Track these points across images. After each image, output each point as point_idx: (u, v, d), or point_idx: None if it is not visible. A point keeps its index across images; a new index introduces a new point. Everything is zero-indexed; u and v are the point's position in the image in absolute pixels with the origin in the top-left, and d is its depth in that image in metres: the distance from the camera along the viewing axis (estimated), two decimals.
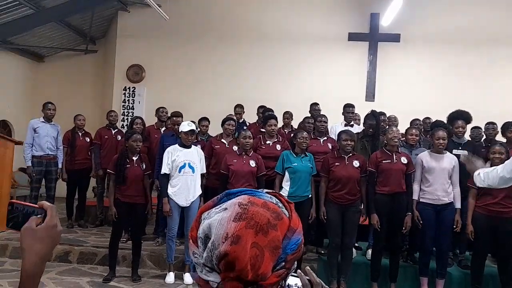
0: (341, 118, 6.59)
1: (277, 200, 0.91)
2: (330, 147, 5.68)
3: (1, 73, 8.71)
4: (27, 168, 6.36)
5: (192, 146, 5.21)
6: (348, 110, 6.39)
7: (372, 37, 8.92)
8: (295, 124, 6.83)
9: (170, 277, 5.10)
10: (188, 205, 5.07)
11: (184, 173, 5.08)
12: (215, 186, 5.36)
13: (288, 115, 6.77)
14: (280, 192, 5.04)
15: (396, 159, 4.93)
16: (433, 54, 8.73)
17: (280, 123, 6.77)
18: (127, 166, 5.10)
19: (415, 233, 5.13)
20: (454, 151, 5.12)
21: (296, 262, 0.91)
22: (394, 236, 4.98)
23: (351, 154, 5.02)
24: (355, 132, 5.51)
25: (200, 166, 5.20)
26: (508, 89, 8.33)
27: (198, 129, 6.20)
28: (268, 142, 5.65)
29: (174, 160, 5.10)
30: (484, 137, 5.99)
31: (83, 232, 6.46)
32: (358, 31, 8.93)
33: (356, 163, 4.99)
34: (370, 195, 4.99)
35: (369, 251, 5.38)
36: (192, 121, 5.58)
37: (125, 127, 8.21)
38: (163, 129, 6.55)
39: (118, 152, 5.81)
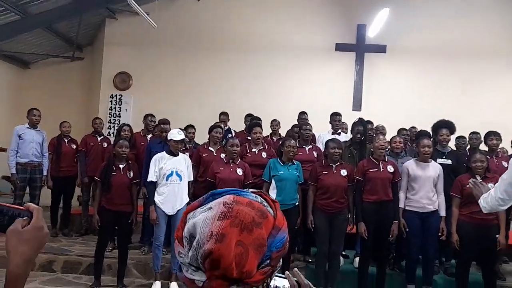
0: (328, 127, 6.66)
1: (262, 199, 0.91)
2: (316, 155, 5.72)
3: None
4: (11, 176, 6.27)
5: (180, 153, 5.19)
6: (335, 119, 6.45)
7: (359, 48, 9.02)
8: (283, 132, 6.85)
9: (157, 286, 5.03)
10: (174, 213, 5.04)
11: (171, 181, 5.05)
12: (203, 194, 5.31)
13: (276, 123, 6.80)
14: None
15: (382, 168, 4.97)
16: (418, 65, 8.86)
17: (269, 131, 6.81)
18: (113, 173, 5.06)
19: (402, 241, 5.16)
20: (439, 160, 5.19)
21: (281, 260, 0.92)
22: (381, 244, 5.00)
23: (338, 163, 5.05)
24: (342, 140, 5.56)
25: (188, 174, 5.18)
26: (490, 100, 8.49)
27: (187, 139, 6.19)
28: (253, 150, 5.65)
29: (161, 168, 5.07)
30: (469, 146, 6.10)
31: (68, 241, 6.36)
32: (345, 42, 9.02)
33: (343, 172, 5.02)
34: (357, 203, 5.03)
35: (356, 259, 5.41)
36: (181, 129, 5.57)
37: (112, 135, 8.16)
38: (149, 136, 6.51)
39: (104, 159, 5.75)
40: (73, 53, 9.39)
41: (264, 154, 5.65)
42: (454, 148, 5.84)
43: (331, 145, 5.06)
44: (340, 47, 9.03)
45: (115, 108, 9.07)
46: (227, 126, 7.20)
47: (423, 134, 5.28)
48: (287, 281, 1.01)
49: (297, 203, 5.18)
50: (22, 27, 8.05)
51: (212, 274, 0.82)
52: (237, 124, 7.41)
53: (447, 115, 5.78)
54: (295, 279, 1.00)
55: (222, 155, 5.51)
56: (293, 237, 5.37)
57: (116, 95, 9.09)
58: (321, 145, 6.01)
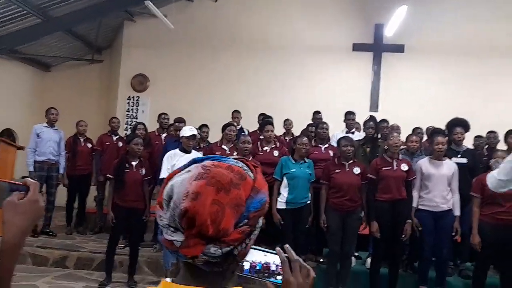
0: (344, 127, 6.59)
1: (243, 164, 0.91)
2: (332, 154, 5.66)
3: (7, 82, 8.81)
4: (29, 174, 6.39)
5: (193, 151, 5.21)
6: (349, 117, 6.40)
7: (377, 48, 8.93)
8: (297, 132, 6.81)
9: None
10: None
11: None
12: None
13: (288, 122, 6.78)
14: (278, 199, 5.07)
15: (396, 166, 4.88)
16: (436, 64, 8.71)
17: (282, 131, 6.78)
18: (126, 170, 5.10)
19: (415, 242, 5.05)
20: (454, 159, 5.06)
21: (260, 220, 0.90)
22: (394, 244, 4.90)
23: (351, 161, 4.99)
24: (355, 139, 5.49)
25: None
26: (507, 99, 8.27)
27: (199, 136, 6.21)
28: (265, 148, 5.63)
29: (174, 164, 5.08)
30: (486, 146, 5.95)
31: (82, 238, 6.45)
32: (363, 42, 8.95)
33: (356, 170, 4.96)
34: (370, 202, 4.94)
35: (369, 260, 5.31)
36: (196, 128, 5.59)
37: None
38: (164, 135, 6.56)
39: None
40: (92, 56, 9.58)
41: (276, 153, 5.62)
42: (469, 147, 5.68)
43: (343, 142, 5.01)
44: (357, 47, 8.96)
45: (132, 109, 9.19)
46: (240, 125, 7.20)
47: (437, 131, 5.16)
48: (277, 257, 1.00)
49: (308, 202, 5.13)
50: (42, 30, 8.25)
51: (189, 233, 0.82)
52: (252, 124, 7.40)
53: (465, 114, 5.64)
54: (285, 255, 0.99)
55: (235, 153, 5.51)
56: (305, 237, 5.33)
57: (133, 97, 9.21)
58: (335, 145, 5.95)
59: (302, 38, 8.96)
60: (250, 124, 7.47)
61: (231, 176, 0.85)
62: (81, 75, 9.85)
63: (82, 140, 6.80)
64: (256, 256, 1.01)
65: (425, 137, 6.27)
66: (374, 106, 8.81)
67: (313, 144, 5.72)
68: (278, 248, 1.00)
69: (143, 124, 6.59)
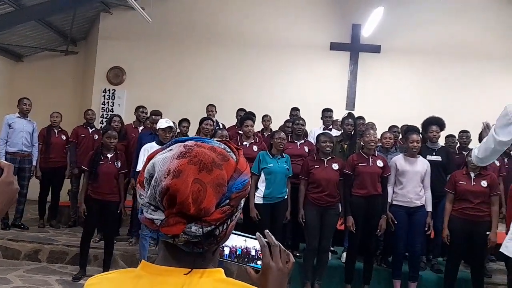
0: (320, 125, 6.64)
1: (225, 146, 0.91)
2: (307, 150, 5.71)
3: None
4: None
5: None
6: (326, 115, 6.47)
7: (353, 48, 9.03)
8: (274, 128, 6.83)
9: None
10: None
11: None
12: None
13: (267, 119, 6.80)
14: (255, 193, 5.09)
15: (372, 162, 4.96)
16: (412, 65, 8.89)
17: (260, 127, 6.80)
18: (101, 162, 5.03)
19: (389, 237, 5.15)
20: (428, 157, 5.19)
21: (243, 201, 0.90)
22: (369, 238, 4.99)
23: (330, 157, 5.05)
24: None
25: None
26: (483, 99, 8.49)
27: (178, 130, 6.17)
28: (245, 143, 5.63)
29: None
30: (458, 144, 6.11)
31: (55, 232, 6.32)
32: (340, 41, 9.03)
33: (335, 166, 5.02)
34: (346, 197, 5.01)
35: (344, 254, 5.39)
36: (174, 122, 5.55)
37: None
38: (141, 128, 6.49)
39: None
40: (67, 47, 9.38)
41: (255, 148, 5.63)
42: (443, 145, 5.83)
43: (322, 138, 5.05)
44: (334, 46, 9.03)
45: (108, 102, 9.04)
46: (215, 119, 7.18)
47: (411, 129, 5.28)
48: (257, 242, 1.00)
49: (286, 197, 5.16)
50: (16, 19, 8.01)
51: (170, 212, 0.81)
52: (228, 119, 7.40)
53: (439, 113, 5.77)
54: (265, 240, 1.00)
55: None
56: (282, 232, 5.36)
57: (109, 90, 9.07)
58: (312, 140, 6.01)
59: (280, 35, 8.99)
60: (225, 118, 7.46)
61: (213, 156, 0.84)
62: (55, 67, 9.63)
63: (56, 131, 6.66)
64: (236, 241, 1.01)
65: (399, 135, 6.40)
66: (350, 104, 8.91)
67: (289, 140, 5.76)
68: (258, 233, 1.01)
69: (119, 116, 6.51)
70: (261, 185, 5.10)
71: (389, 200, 4.95)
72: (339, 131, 6.31)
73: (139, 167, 5.06)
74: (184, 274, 0.82)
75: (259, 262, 1.00)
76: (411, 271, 4.96)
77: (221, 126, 6.87)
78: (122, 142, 5.93)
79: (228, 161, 0.86)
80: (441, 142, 5.76)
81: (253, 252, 1.01)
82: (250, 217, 5.04)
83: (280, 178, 5.10)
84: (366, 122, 6.56)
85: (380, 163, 4.98)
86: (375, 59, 8.95)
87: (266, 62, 8.95)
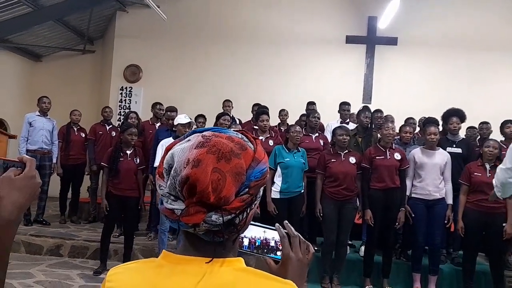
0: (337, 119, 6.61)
1: (243, 136, 0.91)
2: (322, 143, 5.69)
3: None
4: None
5: None
6: (344, 108, 6.43)
7: (370, 40, 8.95)
8: (291, 123, 6.82)
9: None
10: None
11: None
12: None
13: (284, 113, 6.80)
14: (272, 188, 5.09)
15: (389, 155, 4.92)
16: (429, 57, 8.76)
17: (277, 121, 6.80)
18: (121, 159, 5.09)
19: (409, 230, 5.11)
20: (449, 149, 5.12)
21: (261, 190, 0.90)
22: (387, 232, 4.95)
23: (347, 151, 5.02)
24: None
25: None
26: (500, 91, 8.37)
27: (195, 126, 6.20)
28: (260, 137, 5.63)
29: None
30: (479, 136, 6.02)
31: (76, 227, 6.43)
32: (356, 34, 8.96)
33: (352, 160, 4.98)
34: (364, 191, 4.98)
35: (362, 248, 5.36)
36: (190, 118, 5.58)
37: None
38: (158, 124, 6.54)
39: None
40: (84, 46, 9.50)
41: (271, 142, 5.64)
42: (464, 137, 5.75)
43: (339, 132, 5.02)
44: (350, 40, 8.96)
45: (125, 100, 9.13)
46: (231, 114, 7.19)
47: (430, 121, 5.21)
48: (276, 233, 1.00)
49: (302, 191, 5.15)
50: (34, 19, 8.14)
51: (190, 201, 0.81)
52: (244, 114, 7.41)
53: (457, 105, 5.69)
54: (285, 230, 1.00)
55: None
56: (299, 226, 5.36)
57: (126, 88, 9.16)
58: (329, 134, 5.98)
59: (295, 30, 8.95)
60: (241, 114, 7.46)
61: (231, 146, 0.84)
62: (73, 66, 9.77)
63: (75, 129, 6.77)
64: (255, 232, 1.00)
65: (417, 128, 6.33)
66: (367, 97, 8.85)
67: (304, 133, 5.75)
68: (277, 224, 1.01)
69: (136, 113, 6.58)
70: (278, 180, 5.10)
71: (407, 193, 4.90)
72: (356, 124, 6.27)
73: (156, 163, 5.12)
74: (206, 263, 0.83)
75: (278, 253, 1.00)
76: (431, 265, 4.91)
77: (237, 122, 6.88)
78: (139, 139, 5.99)
79: (246, 150, 0.86)
80: (462, 134, 5.68)
81: (272, 243, 1.01)
82: (268, 211, 5.04)
83: (297, 172, 5.09)
84: (385, 115, 6.49)
85: (397, 156, 4.93)
86: (392, 52, 8.86)
87: (281, 57, 8.92)
